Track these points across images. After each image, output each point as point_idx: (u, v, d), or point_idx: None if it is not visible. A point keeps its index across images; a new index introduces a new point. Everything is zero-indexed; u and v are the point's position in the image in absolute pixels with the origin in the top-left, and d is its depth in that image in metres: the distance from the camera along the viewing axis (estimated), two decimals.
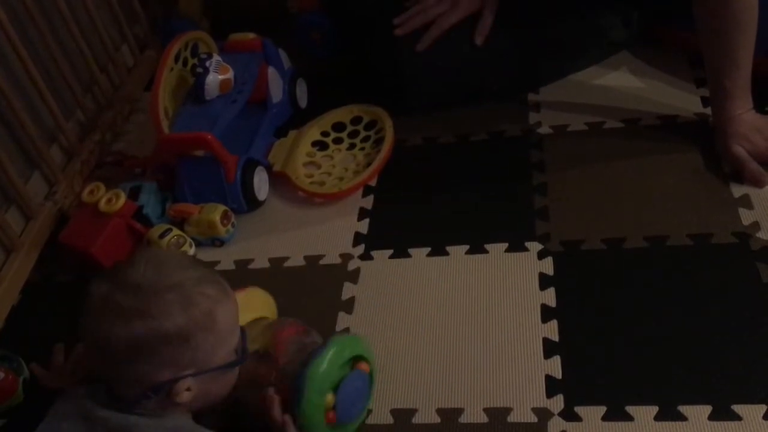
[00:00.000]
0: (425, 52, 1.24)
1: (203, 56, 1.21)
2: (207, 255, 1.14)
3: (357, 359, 0.83)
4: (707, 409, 0.81)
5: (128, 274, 0.72)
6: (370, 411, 0.88)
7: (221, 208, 1.14)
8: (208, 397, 0.77)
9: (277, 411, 0.77)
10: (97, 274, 0.75)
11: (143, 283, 0.71)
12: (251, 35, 1.31)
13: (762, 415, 0.79)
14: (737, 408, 0.81)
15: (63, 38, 1.35)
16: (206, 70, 1.19)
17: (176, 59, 1.25)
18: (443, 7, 1.24)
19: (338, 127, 1.30)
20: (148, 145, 1.29)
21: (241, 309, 0.81)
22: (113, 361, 0.72)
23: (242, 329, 0.79)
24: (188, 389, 0.74)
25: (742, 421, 0.79)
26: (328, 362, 0.78)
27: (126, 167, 1.28)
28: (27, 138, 1.22)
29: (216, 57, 1.21)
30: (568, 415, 0.84)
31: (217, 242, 1.15)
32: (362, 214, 1.15)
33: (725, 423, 0.80)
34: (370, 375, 0.85)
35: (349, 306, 1.02)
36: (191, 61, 1.27)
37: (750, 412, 0.80)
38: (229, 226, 1.15)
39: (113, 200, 1.13)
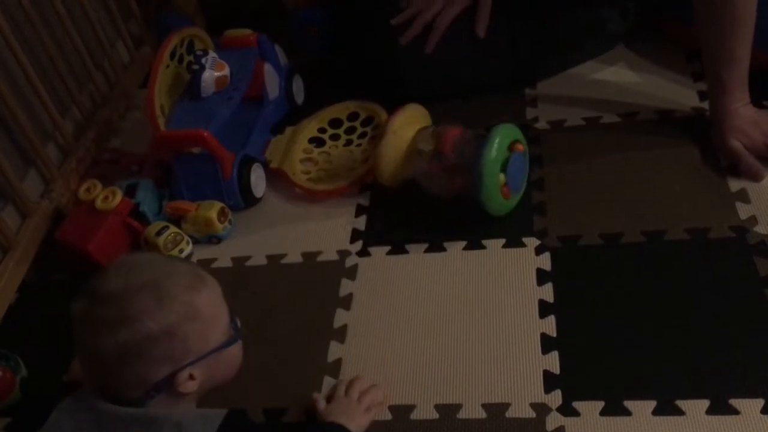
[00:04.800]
0: (423, 45, 1.23)
1: (199, 53, 1.21)
2: (204, 252, 1.14)
3: (513, 142, 1.02)
4: (705, 403, 0.81)
5: (101, 285, 0.72)
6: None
7: (218, 205, 1.14)
8: (215, 379, 0.78)
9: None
10: (87, 278, 0.75)
11: (116, 290, 0.71)
12: (247, 31, 1.30)
13: (760, 408, 0.80)
14: (735, 402, 0.81)
15: (58, 35, 1.35)
16: (202, 67, 1.19)
17: (172, 56, 1.24)
18: (438, 6, 1.24)
19: (335, 123, 1.29)
20: (144, 142, 1.28)
21: (407, 122, 1.10)
22: (108, 371, 0.72)
23: (230, 309, 0.79)
24: (192, 377, 0.74)
25: (740, 415, 0.79)
26: (496, 149, 0.98)
27: (122, 165, 1.28)
28: (22, 136, 1.22)
29: (212, 54, 1.21)
30: (567, 410, 0.84)
31: (215, 239, 1.15)
32: (359, 210, 1.15)
33: (723, 417, 0.80)
34: (526, 153, 1.06)
35: (346, 302, 1.02)
36: (187, 58, 1.27)
37: (748, 406, 0.80)
38: (226, 224, 1.15)
39: (110, 198, 1.12)
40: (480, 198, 1.01)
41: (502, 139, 1.00)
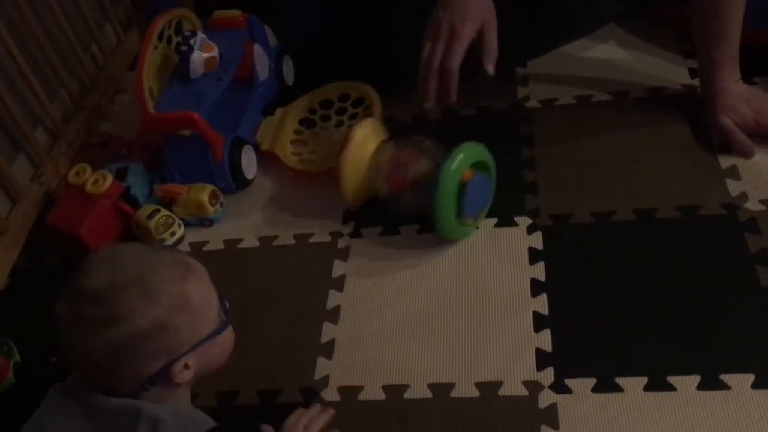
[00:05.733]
0: (418, 34, 1.21)
1: (187, 34, 1.20)
2: (196, 235, 1.14)
3: (478, 165, 0.97)
4: (696, 379, 0.82)
5: (84, 284, 0.70)
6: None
7: (209, 187, 1.14)
8: (210, 365, 0.77)
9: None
10: (83, 257, 0.73)
11: (101, 288, 0.69)
12: (236, 12, 1.29)
13: (750, 383, 0.80)
14: (726, 377, 0.81)
15: (45, 18, 1.33)
16: (191, 48, 1.18)
17: (160, 37, 1.23)
18: (443, 44, 1.04)
19: (325, 104, 1.29)
20: (133, 125, 1.28)
21: (368, 135, 1.05)
22: (101, 369, 0.71)
23: (219, 293, 0.78)
24: (187, 367, 0.73)
25: (731, 390, 0.80)
26: (458, 163, 0.93)
27: (112, 148, 1.27)
28: (11, 120, 1.21)
29: (200, 35, 1.20)
30: (559, 387, 0.84)
31: (206, 222, 1.15)
32: None
33: (714, 392, 0.80)
34: (491, 174, 1.00)
35: (339, 284, 1.02)
36: (175, 39, 1.26)
37: (738, 381, 0.81)
38: (218, 206, 1.14)
39: (100, 181, 1.12)
40: (433, 219, 0.97)
41: (463, 159, 0.94)
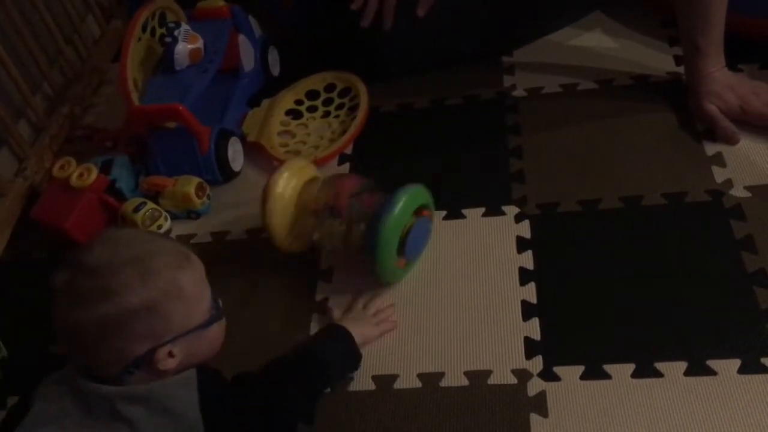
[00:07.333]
0: (403, 17, 1.21)
1: (171, 25, 1.19)
2: (183, 228, 1.13)
3: (420, 207, 0.93)
4: (683, 365, 0.82)
5: (86, 258, 0.72)
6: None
7: (195, 180, 1.13)
8: (196, 357, 0.77)
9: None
10: (68, 252, 0.74)
11: (100, 264, 0.71)
12: (220, 2, 1.28)
13: (736, 369, 0.81)
14: (712, 363, 0.82)
15: (26, 9, 1.31)
16: (175, 40, 1.17)
17: (144, 29, 1.22)
18: None
19: (312, 95, 1.28)
20: (118, 117, 1.26)
21: (289, 180, 0.97)
22: (87, 345, 0.71)
23: (213, 289, 0.79)
24: (171, 355, 0.74)
25: (717, 376, 0.81)
26: (400, 210, 0.89)
27: (97, 141, 1.26)
28: None
29: (184, 26, 1.19)
30: (547, 375, 0.85)
31: (193, 215, 1.14)
32: None
33: (700, 378, 0.81)
34: (431, 218, 0.96)
35: (327, 274, 1.02)
36: (159, 31, 1.25)
37: (725, 366, 0.81)
38: (205, 198, 1.14)
39: (85, 175, 1.11)
40: (370, 262, 0.91)
41: (406, 203, 0.90)
